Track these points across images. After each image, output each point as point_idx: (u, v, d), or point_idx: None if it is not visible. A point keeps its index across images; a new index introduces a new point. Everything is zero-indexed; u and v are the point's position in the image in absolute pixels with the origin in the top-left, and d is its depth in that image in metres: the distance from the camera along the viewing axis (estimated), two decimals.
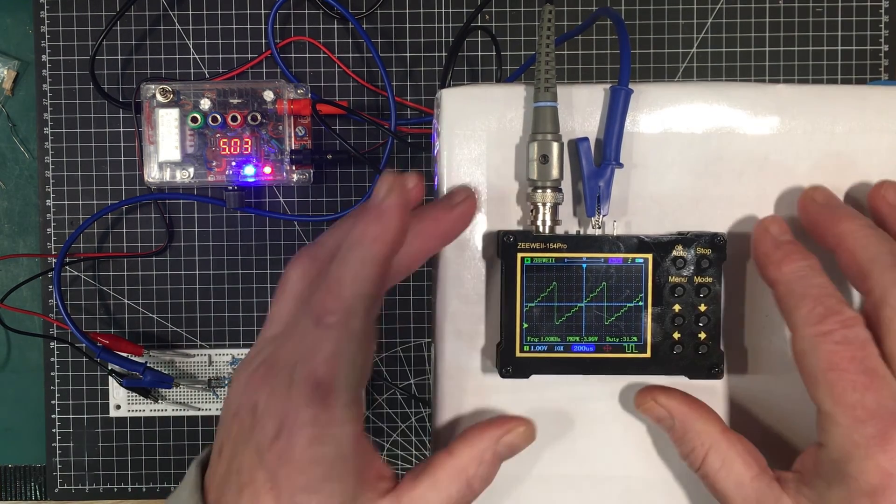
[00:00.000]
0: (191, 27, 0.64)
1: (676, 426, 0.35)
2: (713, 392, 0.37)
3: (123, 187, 0.64)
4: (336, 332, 0.30)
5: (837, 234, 0.33)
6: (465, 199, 0.35)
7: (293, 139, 0.62)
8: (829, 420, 0.31)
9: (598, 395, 0.37)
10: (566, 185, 0.36)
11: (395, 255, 0.32)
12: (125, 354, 0.63)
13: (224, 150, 0.62)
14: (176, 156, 0.62)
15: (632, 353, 0.35)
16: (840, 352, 0.31)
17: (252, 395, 0.31)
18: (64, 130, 0.64)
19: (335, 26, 0.64)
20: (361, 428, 0.32)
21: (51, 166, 0.64)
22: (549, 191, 0.35)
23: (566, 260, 0.34)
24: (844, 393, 0.30)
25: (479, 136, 0.36)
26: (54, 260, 0.62)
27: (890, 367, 0.31)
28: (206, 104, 0.62)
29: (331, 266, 0.31)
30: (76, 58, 0.64)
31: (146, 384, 0.63)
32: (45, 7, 0.64)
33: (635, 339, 0.35)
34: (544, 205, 0.35)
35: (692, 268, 0.34)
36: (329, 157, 0.62)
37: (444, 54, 0.64)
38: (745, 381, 0.37)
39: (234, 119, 0.61)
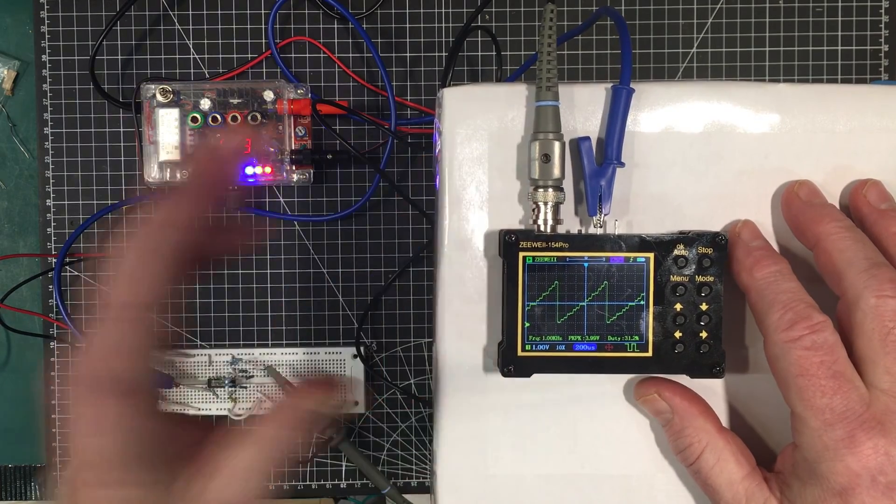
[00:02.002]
0: (191, 27, 0.64)
1: (675, 421, 0.35)
2: (714, 390, 0.37)
3: (123, 187, 0.64)
4: (102, 328, 0.30)
5: (816, 234, 0.34)
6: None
7: (293, 139, 0.62)
8: (801, 422, 0.32)
9: (600, 394, 0.37)
10: (568, 184, 0.36)
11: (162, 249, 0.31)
12: None
13: None
14: (176, 156, 0.62)
15: (633, 352, 0.35)
16: (809, 357, 0.32)
17: None
18: (64, 130, 0.64)
19: (335, 26, 0.64)
20: (146, 420, 0.30)
21: (51, 166, 0.64)
22: (550, 190, 0.35)
23: (568, 259, 0.34)
24: (813, 397, 0.32)
25: (480, 135, 0.36)
26: (54, 260, 0.62)
27: (861, 368, 0.32)
28: (206, 104, 0.61)
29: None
30: (76, 58, 0.64)
31: None
32: (45, 7, 0.64)
33: (637, 338, 0.35)
34: (546, 204, 0.35)
35: (693, 267, 0.35)
36: (329, 157, 0.62)
37: (444, 54, 0.64)
38: (745, 379, 0.37)
39: (234, 119, 0.61)
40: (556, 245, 0.34)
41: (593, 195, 0.35)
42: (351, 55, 0.64)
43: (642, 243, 0.34)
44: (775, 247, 0.36)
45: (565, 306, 0.35)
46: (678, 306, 0.35)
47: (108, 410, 0.30)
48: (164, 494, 0.30)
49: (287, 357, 0.65)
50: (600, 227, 0.35)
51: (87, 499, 0.30)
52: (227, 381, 0.65)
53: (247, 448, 0.31)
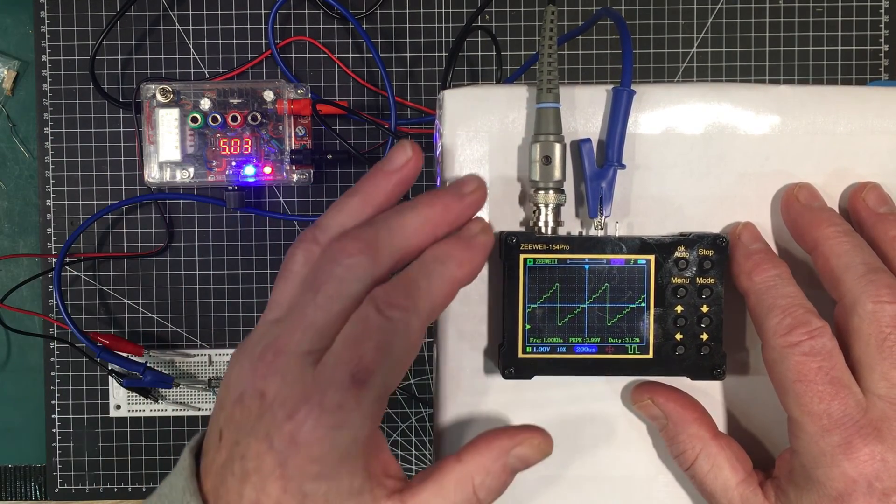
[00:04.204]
0: (191, 27, 0.64)
1: (669, 427, 0.36)
2: (715, 392, 0.37)
3: (123, 187, 0.64)
4: (395, 327, 0.30)
5: (814, 238, 0.34)
6: (476, 189, 0.34)
7: (293, 139, 0.62)
8: (798, 428, 0.32)
9: (601, 395, 0.37)
10: (568, 186, 0.36)
11: (466, 285, 0.33)
12: (125, 354, 0.63)
13: (224, 150, 0.62)
14: (176, 156, 0.62)
15: (634, 354, 0.35)
16: (807, 363, 0.32)
17: (259, 381, 0.30)
18: (64, 130, 0.64)
19: (335, 26, 0.64)
20: (378, 424, 0.32)
21: (51, 166, 0.64)
22: (551, 192, 0.35)
23: (569, 261, 0.34)
24: (811, 403, 0.32)
25: (481, 137, 0.36)
26: (54, 260, 0.62)
27: (857, 373, 0.32)
28: (206, 104, 0.61)
29: (409, 269, 0.32)
30: (76, 58, 0.64)
31: (146, 384, 0.63)
32: (45, 7, 0.64)
33: (637, 340, 0.35)
34: (547, 206, 0.35)
35: (694, 269, 0.35)
36: (329, 157, 0.62)
37: (444, 54, 0.64)
38: (746, 382, 0.37)
39: (234, 119, 0.61)
40: (557, 247, 0.34)
41: (594, 197, 0.35)
42: (351, 55, 0.64)
43: (643, 245, 0.34)
44: (775, 250, 0.36)
45: (566, 308, 0.35)
46: (679, 308, 0.35)
47: (358, 408, 0.30)
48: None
49: None
50: (601, 228, 0.35)
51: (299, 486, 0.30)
52: None
53: (446, 492, 0.32)
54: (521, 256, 0.34)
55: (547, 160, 0.35)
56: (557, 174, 0.35)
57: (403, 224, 0.32)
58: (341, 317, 0.31)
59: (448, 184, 0.35)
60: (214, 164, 0.62)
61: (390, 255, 0.32)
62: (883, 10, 0.63)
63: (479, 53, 0.64)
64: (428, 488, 0.32)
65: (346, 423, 0.30)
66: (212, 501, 0.31)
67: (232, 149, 0.62)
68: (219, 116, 0.61)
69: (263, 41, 0.64)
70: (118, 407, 0.65)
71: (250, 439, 0.30)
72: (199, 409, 0.65)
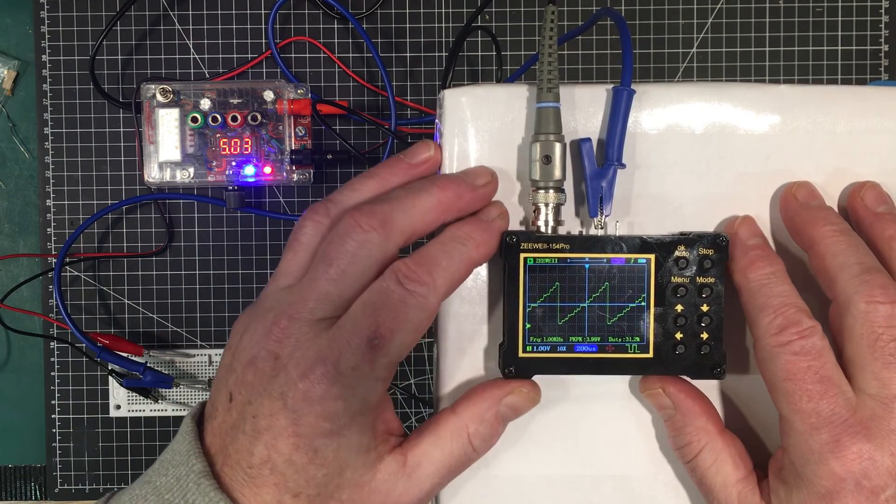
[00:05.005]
0: (191, 27, 0.64)
1: (677, 417, 0.36)
2: (715, 391, 0.37)
3: (123, 187, 0.64)
4: (414, 299, 0.32)
5: (811, 237, 0.34)
6: (488, 183, 0.35)
7: (293, 139, 0.62)
8: (788, 426, 0.33)
9: (601, 395, 0.37)
10: (569, 185, 0.36)
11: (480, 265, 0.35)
12: (125, 354, 0.63)
13: (224, 150, 0.62)
14: (176, 156, 0.62)
15: (634, 353, 0.35)
16: (796, 362, 0.32)
17: (273, 345, 0.32)
18: (64, 130, 0.64)
19: (335, 26, 0.64)
20: (387, 387, 0.33)
21: (51, 166, 0.64)
22: (551, 191, 0.35)
23: (569, 260, 0.34)
24: (800, 401, 0.32)
25: (481, 136, 0.36)
26: (54, 260, 0.62)
27: (850, 372, 0.33)
28: (206, 104, 0.61)
29: (429, 246, 0.33)
30: (76, 58, 0.64)
31: (146, 384, 0.62)
32: (45, 7, 0.64)
33: (638, 339, 0.35)
34: (547, 205, 0.35)
35: (694, 268, 0.35)
36: (329, 157, 0.62)
37: (444, 54, 0.64)
38: (746, 380, 0.37)
39: (234, 119, 0.61)
40: (557, 246, 0.34)
41: (594, 196, 0.35)
42: (351, 55, 0.64)
43: (643, 244, 0.35)
44: (774, 249, 0.36)
45: (566, 307, 0.35)
46: (679, 307, 0.35)
47: (372, 371, 0.31)
48: (362, 458, 0.33)
49: None
50: (601, 228, 0.35)
51: (312, 440, 0.31)
52: None
53: (442, 442, 0.34)
54: (522, 256, 0.34)
55: (547, 159, 0.35)
56: (557, 173, 0.35)
57: (417, 206, 0.33)
58: (353, 289, 0.32)
59: (462, 171, 0.36)
60: (214, 164, 0.62)
61: (401, 233, 0.33)
62: (883, 10, 0.64)
63: (479, 53, 0.64)
64: (426, 440, 0.34)
65: (359, 385, 0.31)
66: (219, 461, 0.32)
67: (232, 149, 0.62)
68: (219, 116, 0.61)
69: (263, 41, 0.64)
70: (118, 407, 0.65)
71: (263, 399, 0.31)
72: None
